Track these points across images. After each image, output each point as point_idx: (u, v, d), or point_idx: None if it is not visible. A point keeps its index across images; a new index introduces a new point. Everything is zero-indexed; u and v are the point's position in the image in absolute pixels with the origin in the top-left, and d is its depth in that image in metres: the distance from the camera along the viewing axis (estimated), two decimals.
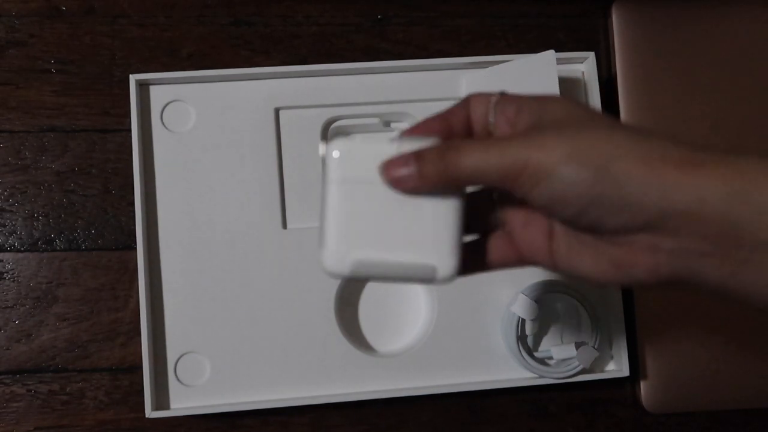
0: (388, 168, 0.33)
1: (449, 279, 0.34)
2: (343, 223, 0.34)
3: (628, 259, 0.32)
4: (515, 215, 0.37)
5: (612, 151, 0.30)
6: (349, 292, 0.61)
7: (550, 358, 0.60)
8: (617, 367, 0.60)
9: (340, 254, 0.33)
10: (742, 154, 0.30)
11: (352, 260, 0.33)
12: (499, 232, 0.37)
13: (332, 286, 0.60)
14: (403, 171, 0.33)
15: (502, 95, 0.35)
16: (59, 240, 0.61)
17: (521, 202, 0.35)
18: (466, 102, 0.36)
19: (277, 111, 0.61)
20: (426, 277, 0.34)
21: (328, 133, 0.62)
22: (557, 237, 0.35)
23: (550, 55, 0.58)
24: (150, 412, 0.57)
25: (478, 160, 0.32)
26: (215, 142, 0.61)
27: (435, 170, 0.32)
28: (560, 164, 0.30)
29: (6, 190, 0.61)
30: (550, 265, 0.35)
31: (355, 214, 0.34)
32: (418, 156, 0.33)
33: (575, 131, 0.31)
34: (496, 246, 0.37)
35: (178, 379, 0.59)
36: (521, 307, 0.58)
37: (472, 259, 0.36)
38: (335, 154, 0.33)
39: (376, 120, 0.62)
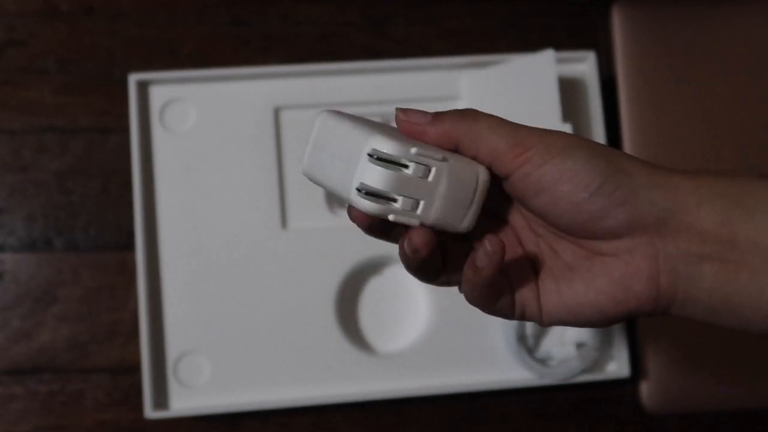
0: (405, 111, 0.33)
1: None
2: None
3: (629, 271, 0.31)
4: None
5: (616, 152, 0.32)
6: (349, 292, 0.61)
7: (551, 358, 0.59)
8: (618, 367, 0.60)
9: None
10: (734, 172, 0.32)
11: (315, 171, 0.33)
12: None
13: (332, 286, 0.60)
14: (419, 117, 0.33)
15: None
16: (58, 240, 0.61)
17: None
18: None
19: (277, 111, 0.61)
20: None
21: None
22: (540, 271, 0.34)
23: (549, 54, 0.58)
24: (149, 413, 0.57)
25: (493, 124, 0.32)
26: (215, 142, 0.61)
27: (449, 123, 0.32)
28: (574, 146, 0.31)
29: (5, 190, 0.61)
30: (537, 312, 0.34)
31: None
32: (437, 113, 0.33)
33: (580, 136, 0.33)
34: None
35: (178, 380, 0.58)
36: None
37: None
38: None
39: (376, 120, 0.62)
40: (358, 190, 0.31)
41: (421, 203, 0.31)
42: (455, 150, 0.33)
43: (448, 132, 0.32)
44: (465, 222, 0.33)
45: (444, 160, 0.31)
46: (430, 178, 0.31)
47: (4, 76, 0.62)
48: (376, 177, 0.30)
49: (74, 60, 0.63)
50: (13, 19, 0.63)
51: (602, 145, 0.32)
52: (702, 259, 0.31)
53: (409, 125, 0.33)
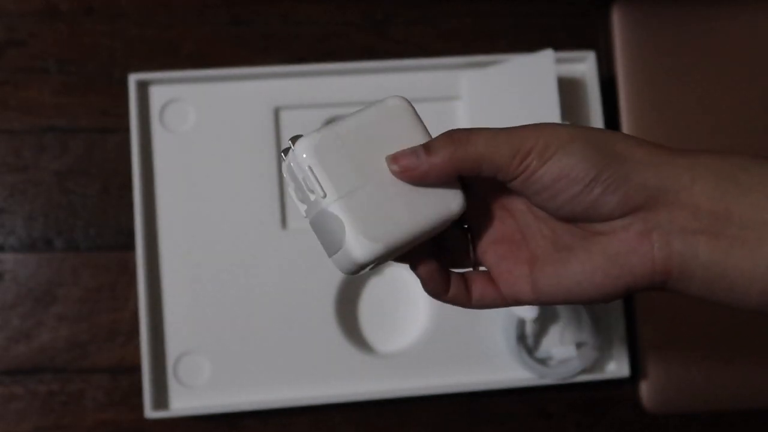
0: (396, 158, 0.33)
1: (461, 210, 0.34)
2: (351, 210, 0.33)
3: (623, 248, 0.32)
4: (490, 249, 0.36)
5: (610, 136, 0.33)
6: (349, 292, 0.61)
7: (551, 358, 0.59)
8: (618, 367, 0.60)
9: (368, 238, 0.33)
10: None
11: (382, 240, 0.33)
12: (478, 272, 0.37)
13: (332, 286, 0.60)
14: (412, 160, 0.33)
15: None
16: (58, 240, 0.61)
17: (495, 238, 0.36)
18: None
19: (277, 111, 0.61)
20: (445, 220, 0.34)
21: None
22: (539, 257, 0.35)
23: (548, 54, 0.58)
24: (149, 413, 0.57)
25: (488, 140, 0.32)
26: (215, 142, 0.61)
27: (446, 154, 0.33)
28: (569, 141, 0.32)
29: (5, 190, 0.61)
30: (530, 295, 0.35)
31: (356, 204, 0.33)
32: (426, 145, 0.33)
33: (573, 126, 0.33)
34: (475, 284, 0.36)
35: (178, 380, 0.58)
36: (522, 307, 0.58)
37: (456, 294, 0.36)
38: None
39: None
40: (283, 153, 0.35)
41: (306, 205, 0.34)
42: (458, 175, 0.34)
43: (446, 166, 0.33)
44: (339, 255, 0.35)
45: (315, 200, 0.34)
46: (312, 197, 0.33)
47: (4, 76, 0.62)
48: (285, 160, 0.34)
49: (74, 60, 0.63)
50: (13, 19, 0.63)
51: (597, 131, 0.33)
52: (696, 233, 0.31)
53: (406, 174, 0.33)
